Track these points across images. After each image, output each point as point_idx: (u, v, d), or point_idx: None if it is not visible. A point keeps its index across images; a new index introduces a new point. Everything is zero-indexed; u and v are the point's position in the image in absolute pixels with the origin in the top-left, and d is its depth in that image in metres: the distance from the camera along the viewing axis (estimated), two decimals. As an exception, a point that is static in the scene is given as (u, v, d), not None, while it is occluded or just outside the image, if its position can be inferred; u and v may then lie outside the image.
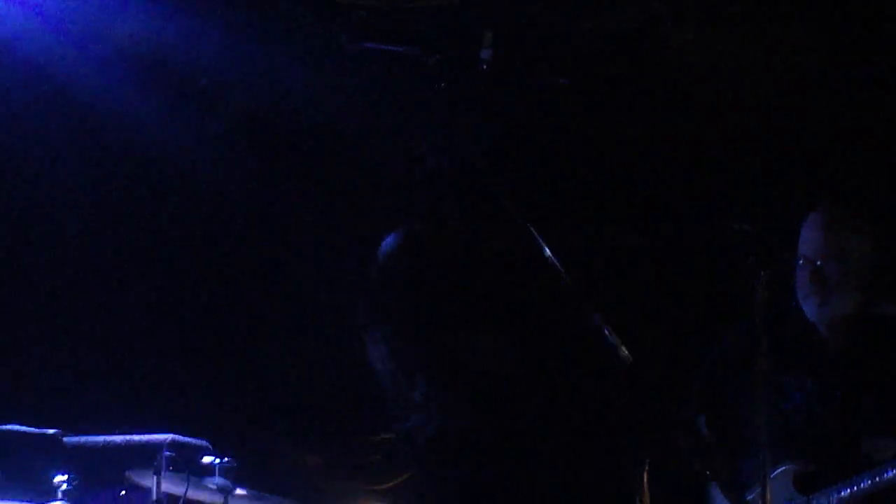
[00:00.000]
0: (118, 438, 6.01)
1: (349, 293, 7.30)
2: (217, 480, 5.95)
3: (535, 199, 6.86)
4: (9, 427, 5.74)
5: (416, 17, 6.79)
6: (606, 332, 5.07)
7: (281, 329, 7.37)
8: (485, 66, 6.54)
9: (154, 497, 5.95)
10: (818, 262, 5.12)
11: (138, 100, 6.77)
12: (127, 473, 5.99)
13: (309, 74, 6.89)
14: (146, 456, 5.98)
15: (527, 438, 7.05)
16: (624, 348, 5.09)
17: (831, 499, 4.94)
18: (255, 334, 7.33)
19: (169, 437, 5.99)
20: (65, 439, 5.81)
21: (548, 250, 5.53)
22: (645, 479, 6.92)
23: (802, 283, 5.19)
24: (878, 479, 4.84)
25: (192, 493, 6.03)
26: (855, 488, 4.88)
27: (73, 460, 5.80)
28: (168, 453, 6.02)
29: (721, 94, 7.02)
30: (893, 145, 6.78)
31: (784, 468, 4.98)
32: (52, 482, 5.37)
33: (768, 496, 4.58)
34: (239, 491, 6.00)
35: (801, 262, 5.18)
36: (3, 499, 5.45)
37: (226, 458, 6.00)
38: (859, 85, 6.91)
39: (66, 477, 5.37)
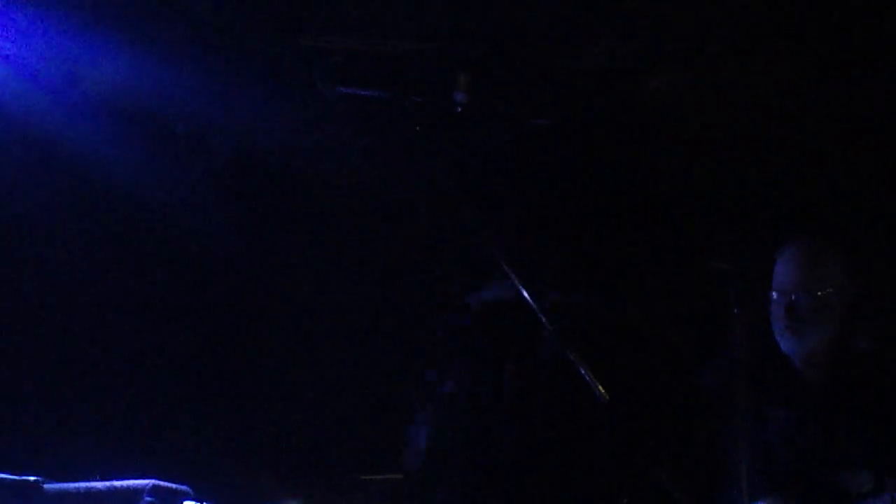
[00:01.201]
0: (99, 485, 5.97)
1: (331, 336, 7.32)
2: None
3: (513, 238, 6.89)
4: (-12, 474, 5.71)
5: (393, 61, 6.82)
6: (583, 371, 5.07)
7: (263, 374, 7.37)
8: (459, 109, 6.57)
9: (139, 544, 5.95)
10: (792, 297, 5.13)
11: (116, 147, 6.78)
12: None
13: (288, 119, 6.93)
14: (128, 501, 5.98)
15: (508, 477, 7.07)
16: (601, 387, 5.09)
17: None
18: (236, 379, 7.34)
19: (150, 482, 5.97)
20: (45, 486, 5.77)
21: (524, 291, 5.53)
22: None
23: (777, 317, 5.20)
24: None
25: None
26: None
27: (54, 506, 5.77)
28: (149, 499, 6.01)
29: (698, 132, 7.06)
30: (867, 179, 6.83)
31: (763, 502, 4.99)
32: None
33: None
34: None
35: (775, 296, 5.19)
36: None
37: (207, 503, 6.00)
38: (836, 120, 6.96)
39: None
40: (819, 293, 5.15)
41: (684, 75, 6.95)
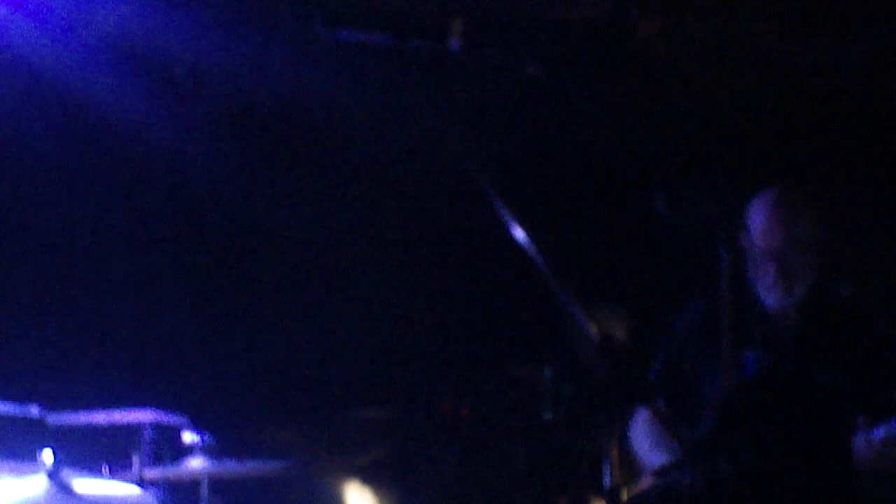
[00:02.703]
0: (100, 417, 6.07)
1: (327, 270, 7.40)
2: (197, 456, 6.07)
3: (505, 185, 6.97)
4: (-10, 406, 5.80)
5: (390, 5, 6.87)
6: (574, 310, 5.14)
7: (261, 309, 7.47)
8: (453, 55, 6.63)
9: (136, 474, 6.07)
10: (779, 253, 5.17)
11: (117, 88, 6.85)
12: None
13: (286, 62, 6.98)
14: (128, 433, 6.09)
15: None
16: (592, 325, 5.17)
17: None
18: (234, 312, 7.43)
19: (150, 414, 6.07)
20: (47, 417, 5.86)
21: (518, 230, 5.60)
22: (614, 455, 7.06)
23: (764, 273, 5.23)
24: None
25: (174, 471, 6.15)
26: None
27: (56, 438, 5.86)
28: (149, 431, 6.13)
29: (686, 80, 7.13)
30: (849, 134, 6.92)
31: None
32: (36, 459, 5.40)
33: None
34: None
35: (752, 246, 5.20)
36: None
37: (206, 435, 6.11)
38: (823, 72, 7.04)
39: (51, 453, 5.38)
40: (803, 248, 5.19)
41: (673, 23, 7.02)
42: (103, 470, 6.23)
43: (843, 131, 7.01)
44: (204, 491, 6.15)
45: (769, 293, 5.22)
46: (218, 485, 6.27)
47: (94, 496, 5.40)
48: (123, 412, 6.07)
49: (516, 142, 7.45)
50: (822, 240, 5.26)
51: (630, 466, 5.76)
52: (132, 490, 5.60)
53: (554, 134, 7.44)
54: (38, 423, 5.89)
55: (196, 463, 6.09)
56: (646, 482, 5.33)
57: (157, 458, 6.14)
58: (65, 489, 5.30)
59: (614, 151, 7.34)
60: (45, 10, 6.50)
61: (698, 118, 7.18)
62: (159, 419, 6.12)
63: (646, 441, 5.46)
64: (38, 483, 5.28)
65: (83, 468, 5.56)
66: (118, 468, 6.20)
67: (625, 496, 5.45)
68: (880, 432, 4.89)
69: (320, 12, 6.75)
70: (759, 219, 5.24)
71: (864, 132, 7.08)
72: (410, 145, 7.29)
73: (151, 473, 6.08)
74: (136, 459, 6.11)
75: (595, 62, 7.20)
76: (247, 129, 7.33)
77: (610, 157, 7.37)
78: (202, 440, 6.09)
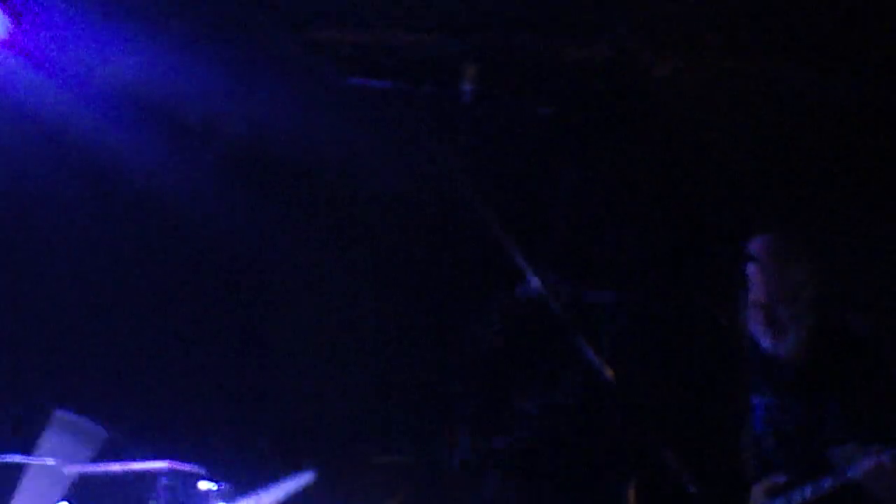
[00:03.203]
0: (117, 466, 6.05)
1: (343, 320, 7.39)
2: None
3: (524, 227, 6.97)
4: (10, 456, 5.79)
5: (402, 53, 6.90)
6: (589, 351, 5.14)
7: (276, 356, 7.46)
8: (467, 100, 6.65)
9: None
10: (770, 306, 5.16)
11: (129, 137, 6.87)
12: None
13: (298, 109, 6.99)
14: (144, 482, 6.07)
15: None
16: (608, 368, 5.17)
17: (791, 499, 5.02)
18: (249, 362, 7.42)
19: (166, 463, 6.05)
20: (64, 467, 5.85)
21: (534, 278, 5.61)
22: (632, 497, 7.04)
23: (757, 321, 5.23)
24: (838, 480, 4.93)
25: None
26: (815, 489, 4.97)
27: (73, 488, 5.86)
28: (166, 481, 6.10)
29: (699, 120, 7.12)
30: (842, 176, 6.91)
31: (755, 486, 5.06)
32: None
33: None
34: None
35: (751, 301, 5.20)
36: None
37: (222, 484, 6.09)
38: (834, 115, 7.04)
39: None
40: (793, 299, 5.19)
41: (685, 63, 7.02)
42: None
43: (856, 165, 6.99)
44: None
45: (762, 338, 5.23)
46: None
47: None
48: (140, 461, 6.05)
49: (529, 183, 7.43)
50: (815, 291, 5.25)
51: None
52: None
53: (566, 174, 7.42)
54: (56, 472, 5.89)
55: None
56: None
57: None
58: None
59: (626, 191, 7.32)
60: (57, 59, 6.52)
61: (711, 155, 7.16)
62: (175, 468, 6.09)
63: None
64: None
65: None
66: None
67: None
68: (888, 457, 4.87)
69: (332, 60, 6.82)
70: (751, 266, 5.24)
71: (878, 167, 7.06)
72: (423, 189, 7.28)
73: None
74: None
75: (608, 103, 7.20)
76: (259, 175, 7.32)
77: (622, 197, 7.35)
78: (219, 488, 6.07)
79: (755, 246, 5.28)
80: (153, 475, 6.10)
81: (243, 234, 7.31)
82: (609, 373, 5.15)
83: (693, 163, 7.19)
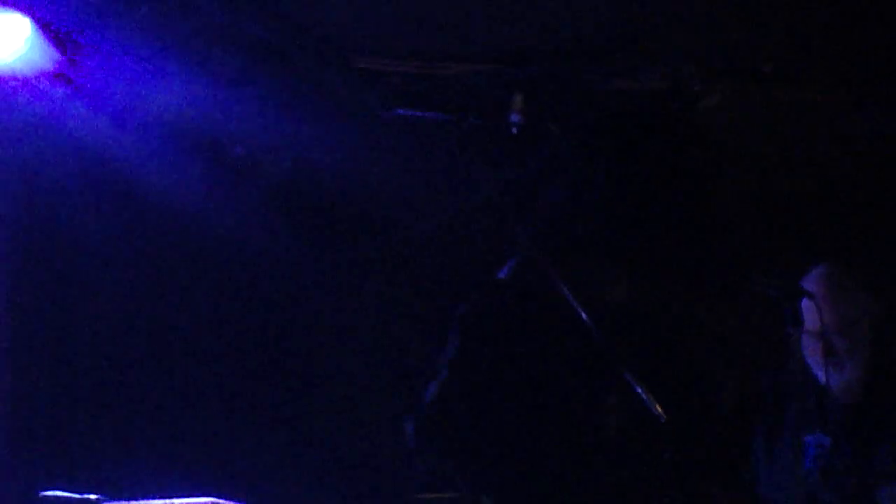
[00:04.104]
0: (159, 503, 6.02)
1: (389, 356, 7.37)
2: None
3: (569, 260, 6.92)
4: (51, 493, 5.76)
5: (449, 83, 6.87)
6: (639, 390, 5.11)
7: (320, 392, 7.43)
8: (515, 130, 6.62)
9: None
10: (828, 336, 5.10)
11: (175, 170, 6.86)
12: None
13: (345, 141, 6.98)
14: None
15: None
16: (657, 405, 5.13)
17: None
18: (293, 397, 7.39)
19: (210, 500, 6.01)
20: (103, 505, 5.82)
21: (581, 311, 5.58)
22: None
23: (813, 353, 5.17)
24: None
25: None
26: None
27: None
28: (209, 517, 6.06)
29: (748, 153, 7.08)
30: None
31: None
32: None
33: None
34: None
35: (806, 332, 5.13)
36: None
37: (264, 521, 6.05)
38: (885, 147, 6.98)
39: None
40: (851, 331, 5.14)
41: (734, 93, 6.98)
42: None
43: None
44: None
45: (819, 371, 5.18)
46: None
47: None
48: (183, 499, 6.01)
49: (576, 214, 7.38)
50: (873, 320, 5.20)
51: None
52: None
53: (612, 205, 7.37)
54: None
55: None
56: None
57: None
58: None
59: (673, 223, 7.26)
60: (101, 91, 6.52)
61: (760, 190, 7.10)
62: (219, 503, 6.06)
63: None
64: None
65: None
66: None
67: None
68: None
69: (377, 91, 6.80)
70: (812, 301, 5.18)
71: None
72: (469, 221, 7.25)
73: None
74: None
75: (656, 134, 7.16)
76: (304, 210, 7.30)
77: (671, 232, 7.29)
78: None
79: (812, 277, 5.23)
80: (197, 512, 6.08)
81: (287, 270, 7.29)
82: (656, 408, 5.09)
83: (741, 194, 7.13)
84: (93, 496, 5.77)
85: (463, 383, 7.22)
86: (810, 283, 5.23)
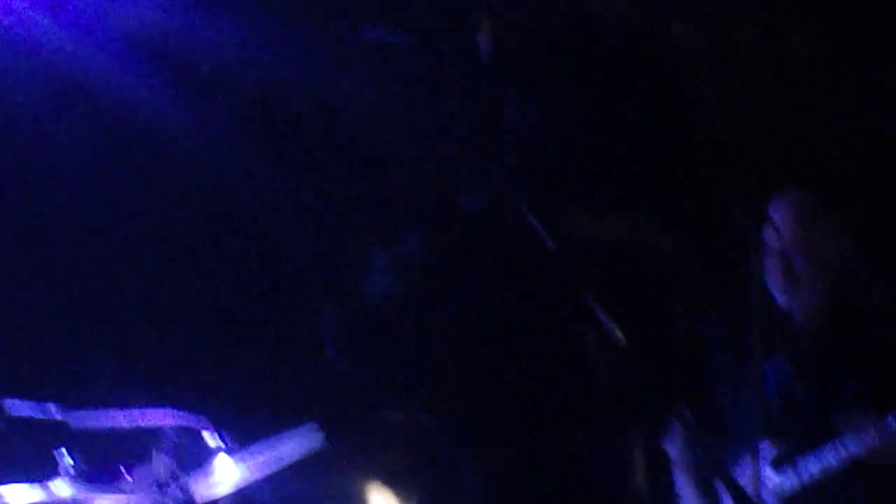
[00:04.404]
0: (121, 416, 6.02)
1: (350, 271, 7.37)
2: (219, 460, 6.01)
3: (533, 186, 6.93)
4: (11, 400, 5.76)
5: (417, 7, 6.85)
6: (600, 314, 5.11)
7: (280, 306, 7.44)
8: (484, 57, 6.60)
9: (158, 477, 6.01)
10: (789, 256, 5.12)
11: (144, 87, 6.84)
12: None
13: (312, 62, 6.95)
14: (151, 436, 6.04)
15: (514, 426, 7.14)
16: (618, 331, 5.14)
17: (800, 474, 4.99)
18: (253, 311, 7.39)
19: (171, 415, 6.01)
20: (67, 415, 5.82)
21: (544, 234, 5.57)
22: (639, 461, 7.01)
23: (774, 273, 5.19)
24: (843, 453, 4.90)
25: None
26: (822, 463, 4.94)
27: (76, 439, 5.83)
28: (172, 434, 6.06)
29: (719, 85, 7.07)
30: (875, 143, 6.85)
31: (761, 447, 5.02)
32: (55, 460, 5.37)
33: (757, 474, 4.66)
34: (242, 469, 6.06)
35: (770, 252, 5.15)
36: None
37: (228, 441, 6.06)
38: (855, 83, 6.99)
39: (68, 455, 5.34)
40: (814, 254, 5.14)
41: (707, 23, 6.97)
42: (123, 473, 6.18)
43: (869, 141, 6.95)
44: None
45: (777, 293, 5.19)
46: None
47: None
48: (144, 413, 6.01)
49: (544, 142, 7.37)
50: (838, 247, 5.20)
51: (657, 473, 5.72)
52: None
53: (581, 134, 7.37)
54: (58, 424, 5.86)
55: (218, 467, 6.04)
56: None
57: (178, 461, 6.07)
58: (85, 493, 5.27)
59: (644, 154, 7.26)
60: (67, 6, 6.48)
61: (731, 124, 7.10)
62: (182, 421, 6.06)
63: (673, 451, 5.41)
64: (57, 487, 5.23)
65: (103, 471, 5.53)
66: (139, 470, 6.15)
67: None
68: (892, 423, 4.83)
69: (347, 11, 6.78)
70: (775, 218, 5.20)
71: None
72: (434, 147, 7.24)
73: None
74: (157, 462, 6.05)
75: (626, 57, 7.15)
76: (272, 127, 7.28)
77: (639, 160, 7.29)
78: (225, 443, 6.04)
79: (780, 201, 5.23)
80: (159, 428, 6.08)
81: (253, 186, 7.27)
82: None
83: (712, 125, 7.14)
84: (52, 406, 5.78)
85: (414, 301, 7.24)
86: (778, 207, 5.23)
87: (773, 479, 5.02)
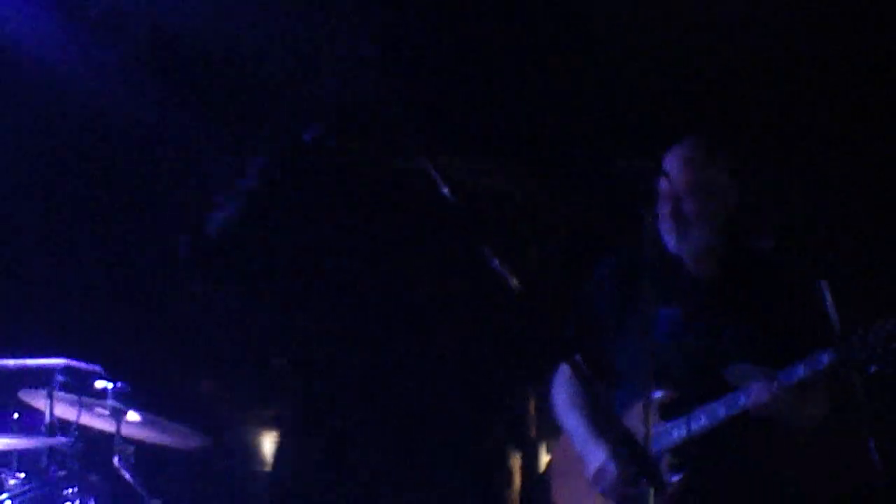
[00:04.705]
0: (11, 362, 6.00)
1: (246, 217, 7.35)
2: (110, 403, 6.02)
3: (428, 133, 6.93)
4: None
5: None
6: (495, 261, 5.12)
7: (175, 257, 7.40)
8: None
9: (47, 420, 6.00)
10: (679, 198, 5.17)
11: (31, 27, 6.72)
12: (20, 394, 6.03)
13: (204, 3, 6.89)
14: (40, 380, 6.01)
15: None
16: (514, 278, 5.16)
17: (689, 426, 5.07)
18: (152, 262, 7.35)
19: (62, 361, 6.00)
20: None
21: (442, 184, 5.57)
22: (532, 410, 7.10)
23: (665, 217, 5.24)
24: (732, 406, 4.99)
25: (85, 419, 6.09)
26: (711, 415, 5.02)
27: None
28: (61, 377, 6.05)
29: (618, 27, 7.08)
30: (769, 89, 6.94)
31: (650, 395, 5.07)
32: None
33: (648, 423, 4.71)
34: (131, 414, 6.06)
35: (662, 195, 5.21)
36: None
37: (119, 383, 6.06)
38: (749, 27, 7.04)
39: None
40: (703, 195, 5.19)
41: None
42: (14, 416, 6.16)
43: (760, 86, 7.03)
44: (117, 439, 6.10)
45: (668, 236, 5.23)
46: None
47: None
48: (35, 358, 5.99)
49: (440, 88, 7.37)
50: (725, 188, 5.25)
51: (549, 421, 5.77)
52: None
53: (482, 83, 7.37)
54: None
55: (108, 408, 6.04)
56: None
57: (68, 404, 6.06)
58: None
59: (537, 103, 7.29)
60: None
61: (628, 69, 7.13)
62: (72, 365, 6.04)
63: (563, 398, 5.46)
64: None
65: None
66: (29, 414, 6.13)
67: (543, 451, 5.48)
68: (782, 379, 4.91)
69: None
70: (668, 163, 5.24)
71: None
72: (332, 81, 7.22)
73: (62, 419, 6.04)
74: (47, 404, 6.04)
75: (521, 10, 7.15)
76: (164, 68, 7.20)
77: (533, 110, 7.32)
78: (115, 387, 6.04)
79: (674, 147, 5.27)
80: (49, 371, 6.06)
81: (148, 129, 7.21)
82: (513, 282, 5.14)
83: (608, 69, 7.16)
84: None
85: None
86: (673, 151, 5.28)
87: (663, 428, 5.09)
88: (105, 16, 6.87)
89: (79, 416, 6.05)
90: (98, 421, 6.18)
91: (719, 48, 6.92)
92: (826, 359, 4.81)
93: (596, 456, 5.21)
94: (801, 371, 4.87)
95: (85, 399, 6.01)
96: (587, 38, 7.07)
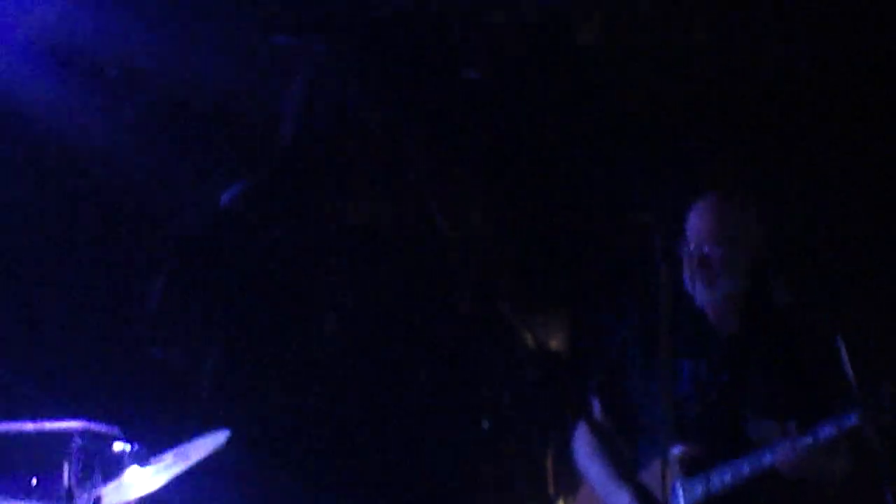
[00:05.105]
0: (29, 426, 5.97)
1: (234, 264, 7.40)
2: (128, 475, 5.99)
3: (441, 188, 6.97)
4: None
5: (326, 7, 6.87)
6: (513, 318, 5.14)
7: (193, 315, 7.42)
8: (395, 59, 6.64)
9: (65, 485, 5.97)
10: (704, 248, 5.16)
11: (50, 88, 6.77)
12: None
13: (220, 63, 6.93)
14: (57, 444, 5.99)
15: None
16: (527, 334, 5.17)
17: (711, 483, 5.03)
18: (164, 320, 7.37)
19: (80, 423, 5.97)
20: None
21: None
22: (550, 465, 7.06)
23: (690, 268, 5.23)
24: (756, 464, 4.96)
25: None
26: (735, 473, 4.99)
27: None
28: (80, 441, 6.02)
29: (626, 87, 7.12)
30: (793, 138, 6.94)
31: (673, 451, 5.05)
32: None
33: (666, 477, 4.70)
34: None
35: (688, 247, 5.20)
36: None
37: (136, 445, 6.03)
38: (757, 82, 7.07)
39: None
40: (730, 245, 5.19)
41: (613, 27, 7.02)
42: (32, 481, 6.14)
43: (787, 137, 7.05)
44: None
45: (693, 287, 5.22)
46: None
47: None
48: (53, 421, 5.97)
49: (455, 147, 7.41)
50: (754, 241, 5.26)
51: (568, 476, 5.74)
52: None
53: (493, 137, 7.40)
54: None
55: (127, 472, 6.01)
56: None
57: (87, 469, 6.03)
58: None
59: (553, 154, 7.31)
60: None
61: (637, 125, 7.16)
62: (90, 428, 6.01)
63: (584, 452, 5.43)
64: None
65: (11, 480, 5.48)
66: (47, 479, 6.10)
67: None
68: (808, 439, 4.89)
69: (255, 13, 6.77)
70: (693, 215, 5.25)
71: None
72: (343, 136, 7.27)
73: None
74: (65, 469, 6.01)
75: (534, 65, 7.19)
76: (180, 128, 7.25)
77: (549, 161, 7.34)
78: (133, 449, 6.01)
79: (698, 202, 5.27)
80: (67, 435, 6.03)
81: (162, 186, 7.23)
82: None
83: (617, 127, 7.19)
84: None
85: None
86: (697, 205, 5.28)
87: (685, 483, 5.06)
88: (122, 77, 6.94)
89: (98, 485, 6.02)
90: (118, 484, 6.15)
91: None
92: (854, 419, 4.80)
93: (620, 499, 5.19)
94: (828, 430, 4.85)
95: (105, 462, 5.99)
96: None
